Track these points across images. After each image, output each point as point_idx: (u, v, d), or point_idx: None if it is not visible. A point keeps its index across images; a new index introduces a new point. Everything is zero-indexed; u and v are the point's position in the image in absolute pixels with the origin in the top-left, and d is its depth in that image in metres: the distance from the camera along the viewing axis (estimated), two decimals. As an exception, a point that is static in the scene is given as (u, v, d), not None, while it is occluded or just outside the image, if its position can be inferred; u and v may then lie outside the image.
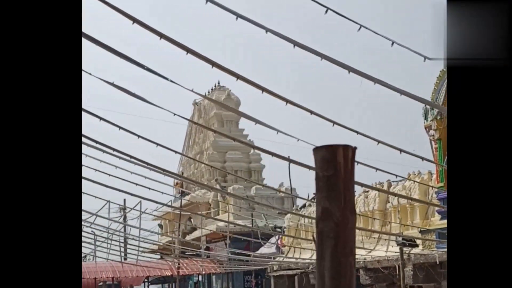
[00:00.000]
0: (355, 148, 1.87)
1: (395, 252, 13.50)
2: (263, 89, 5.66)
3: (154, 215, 22.36)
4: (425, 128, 13.80)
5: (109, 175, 9.66)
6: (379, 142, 6.68)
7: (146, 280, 27.48)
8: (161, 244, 24.41)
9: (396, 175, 8.36)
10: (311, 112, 5.92)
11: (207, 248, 23.32)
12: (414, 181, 13.41)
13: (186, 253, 22.87)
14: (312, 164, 1.93)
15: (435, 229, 13.11)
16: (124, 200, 30.58)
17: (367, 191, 16.30)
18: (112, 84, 5.61)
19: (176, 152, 9.03)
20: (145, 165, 7.90)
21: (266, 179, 28.47)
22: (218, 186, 25.82)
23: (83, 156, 9.66)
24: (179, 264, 18.82)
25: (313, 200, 19.61)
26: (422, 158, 7.18)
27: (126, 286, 29.46)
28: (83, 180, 9.09)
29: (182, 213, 24.55)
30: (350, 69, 4.96)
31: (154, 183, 10.28)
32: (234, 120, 29.88)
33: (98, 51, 4.66)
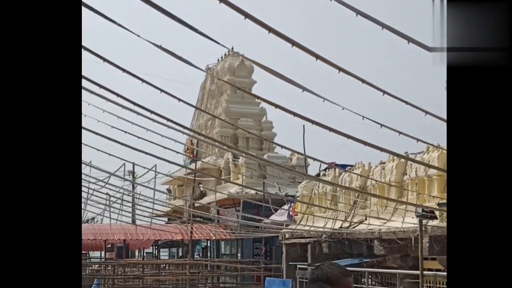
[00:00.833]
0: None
1: (412, 223, 13.47)
2: (293, 43, 5.51)
3: (170, 176, 22.36)
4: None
5: (125, 132, 9.60)
6: (406, 103, 6.61)
7: (154, 244, 27.73)
8: (173, 207, 24.49)
9: (417, 140, 8.22)
10: (339, 69, 5.83)
11: (218, 214, 23.39)
12: (437, 147, 13.26)
13: (196, 218, 22.94)
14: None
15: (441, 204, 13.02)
16: (133, 164, 30.63)
17: (384, 162, 16.21)
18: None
19: (194, 106, 8.92)
20: (163, 120, 7.68)
21: (277, 147, 28.37)
22: (230, 154, 25.79)
23: (100, 112, 9.59)
24: (192, 228, 18.87)
25: (327, 169, 19.56)
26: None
27: (134, 248, 29.75)
28: (99, 138, 9.03)
29: (189, 178, 24.59)
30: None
31: (166, 147, 10.21)
32: (247, 87, 29.63)
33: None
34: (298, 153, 25.21)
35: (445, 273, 12.78)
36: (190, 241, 19.67)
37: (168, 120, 7.70)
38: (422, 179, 14.40)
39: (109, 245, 25.92)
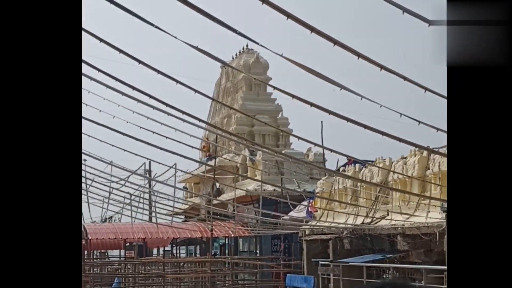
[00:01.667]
0: None
1: (437, 218, 13.39)
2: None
3: (190, 173, 22.38)
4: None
5: (140, 127, 9.50)
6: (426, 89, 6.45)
7: (172, 242, 27.79)
8: (191, 205, 24.51)
9: (437, 129, 8.01)
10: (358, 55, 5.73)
11: (235, 211, 23.40)
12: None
13: (214, 216, 22.96)
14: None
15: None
16: (150, 162, 30.70)
17: (405, 157, 16.12)
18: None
19: (211, 98, 8.80)
20: (179, 113, 7.49)
21: (293, 143, 28.35)
22: (247, 151, 25.79)
23: (115, 106, 9.54)
24: (212, 226, 18.89)
25: (346, 165, 19.48)
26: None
27: (153, 246, 29.86)
28: (115, 134, 8.97)
29: (209, 176, 24.62)
30: None
31: (183, 143, 10.05)
32: (263, 84, 29.60)
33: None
34: (316, 144, 25.18)
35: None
36: (211, 238, 19.69)
37: (184, 113, 7.47)
38: (445, 173, 14.29)
39: (128, 244, 26.03)
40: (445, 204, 11.82)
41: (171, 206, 18.75)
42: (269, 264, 21.51)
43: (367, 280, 15.08)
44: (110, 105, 9.44)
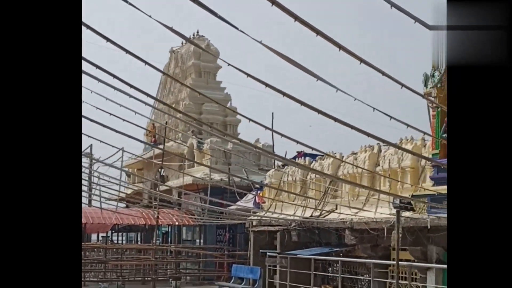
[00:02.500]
0: None
1: (386, 214, 13.64)
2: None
3: (139, 156, 21.93)
4: (424, 94, 13.77)
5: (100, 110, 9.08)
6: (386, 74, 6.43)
7: (112, 228, 27.21)
8: (134, 191, 24.07)
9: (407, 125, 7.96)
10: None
11: (180, 199, 23.13)
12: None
13: (159, 203, 22.63)
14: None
15: (427, 195, 13.21)
16: (91, 145, 29.93)
17: (356, 153, 16.33)
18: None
19: (162, 72, 8.45)
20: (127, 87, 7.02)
21: (241, 134, 28.30)
22: (194, 138, 25.54)
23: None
24: (158, 213, 18.60)
25: (296, 158, 19.56)
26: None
27: (92, 232, 29.14)
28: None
29: (156, 162, 24.24)
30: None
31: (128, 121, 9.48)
32: (212, 72, 29.40)
33: None
34: (267, 128, 25.26)
35: (418, 264, 13.01)
36: (156, 225, 19.40)
37: (132, 86, 6.64)
38: (395, 170, 14.57)
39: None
40: (396, 201, 12.02)
41: (116, 190, 18.32)
42: (213, 254, 21.42)
43: (314, 272, 15.24)
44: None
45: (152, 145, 20.87)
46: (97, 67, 6.51)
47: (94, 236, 30.62)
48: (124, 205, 27.25)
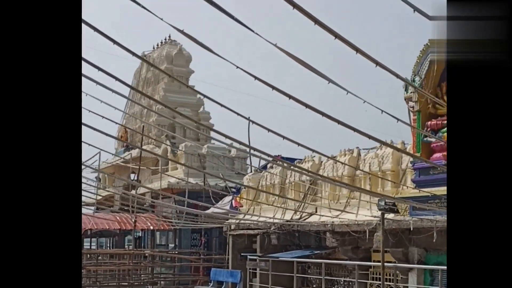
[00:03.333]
0: None
1: (370, 216, 13.88)
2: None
3: (117, 155, 21.64)
4: (405, 99, 14.08)
5: None
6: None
7: (82, 234, 26.80)
8: (105, 196, 23.76)
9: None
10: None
11: (154, 204, 22.99)
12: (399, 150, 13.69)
13: (133, 208, 22.44)
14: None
15: (408, 198, 13.51)
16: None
17: (335, 157, 16.53)
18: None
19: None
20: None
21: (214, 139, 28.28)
22: (168, 142, 25.43)
23: None
24: (136, 217, 18.44)
25: (272, 162, 19.67)
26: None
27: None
28: None
29: (128, 166, 24.06)
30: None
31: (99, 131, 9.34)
32: (185, 76, 29.32)
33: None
34: (236, 140, 25.32)
35: (403, 265, 13.27)
36: (133, 230, 19.21)
37: (107, 73, 6.52)
38: (375, 174, 14.84)
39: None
40: (381, 202, 12.24)
41: (93, 193, 18.09)
42: (188, 258, 21.34)
43: (297, 275, 15.37)
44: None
45: (130, 144, 20.63)
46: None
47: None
48: (95, 209, 26.92)
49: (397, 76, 5.85)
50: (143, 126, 23.60)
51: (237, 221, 18.02)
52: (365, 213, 14.34)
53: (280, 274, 15.84)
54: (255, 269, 16.50)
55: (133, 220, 20.99)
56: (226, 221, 18.65)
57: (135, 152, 26.20)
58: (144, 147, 26.66)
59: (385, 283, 13.80)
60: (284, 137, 7.69)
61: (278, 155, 20.28)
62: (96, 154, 17.31)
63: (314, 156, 17.48)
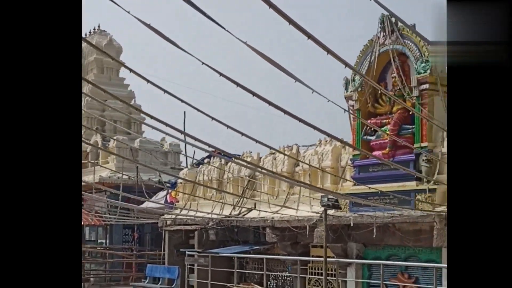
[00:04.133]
0: None
1: (311, 212, 14.10)
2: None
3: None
4: (345, 98, 14.38)
5: None
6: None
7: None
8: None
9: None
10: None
11: (82, 200, 22.33)
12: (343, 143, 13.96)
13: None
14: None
15: (348, 194, 13.82)
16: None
17: (274, 153, 16.67)
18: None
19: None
20: None
21: (145, 132, 27.83)
22: (98, 136, 24.77)
23: None
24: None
25: (210, 157, 19.58)
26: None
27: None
28: None
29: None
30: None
31: None
32: (115, 68, 28.65)
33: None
34: (168, 134, 25.01)
35: (344, 260, 13.58)
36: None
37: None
38: (315, 170, 15.07)
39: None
40: (324, 198, 12.45)
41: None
42: (120, 254, 20.90)
43: (237, 270, 15.40)
44: None
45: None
46: None
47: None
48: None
49: (346, 64, 5.85)
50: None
51: (173, 216, 17.82)
52: (305, 208, 14.54)
53: (218, 270, 15.82)
54: (193, 265, 16.40)
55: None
56: (162, 217, 18.40)
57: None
58: (72, 140, 25.85)
59: (328, 278, 14.10)
60: (228, 126, 7.62)
61: (215, 150, 20.27)
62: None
63: (252, 152, 17.56)
